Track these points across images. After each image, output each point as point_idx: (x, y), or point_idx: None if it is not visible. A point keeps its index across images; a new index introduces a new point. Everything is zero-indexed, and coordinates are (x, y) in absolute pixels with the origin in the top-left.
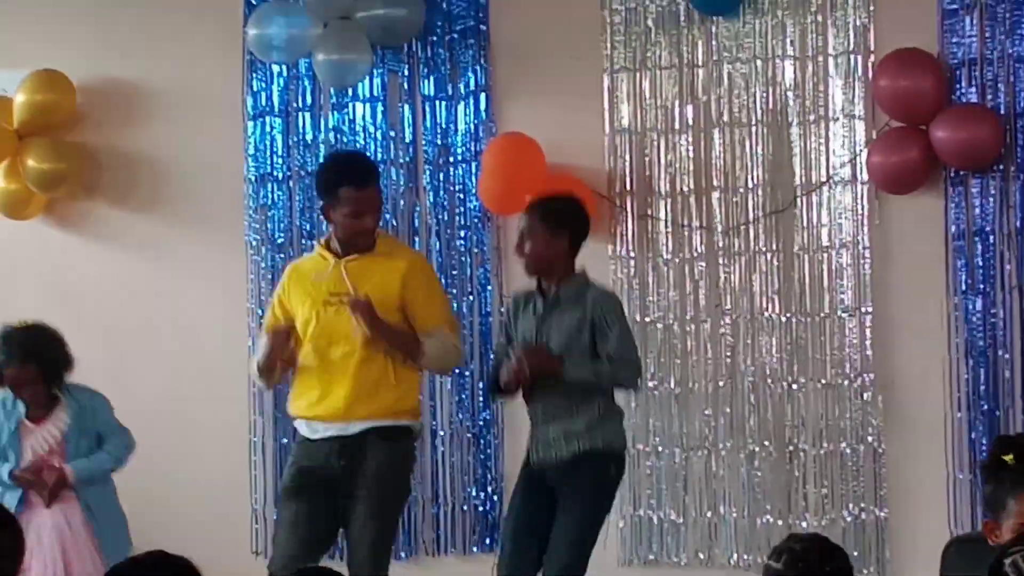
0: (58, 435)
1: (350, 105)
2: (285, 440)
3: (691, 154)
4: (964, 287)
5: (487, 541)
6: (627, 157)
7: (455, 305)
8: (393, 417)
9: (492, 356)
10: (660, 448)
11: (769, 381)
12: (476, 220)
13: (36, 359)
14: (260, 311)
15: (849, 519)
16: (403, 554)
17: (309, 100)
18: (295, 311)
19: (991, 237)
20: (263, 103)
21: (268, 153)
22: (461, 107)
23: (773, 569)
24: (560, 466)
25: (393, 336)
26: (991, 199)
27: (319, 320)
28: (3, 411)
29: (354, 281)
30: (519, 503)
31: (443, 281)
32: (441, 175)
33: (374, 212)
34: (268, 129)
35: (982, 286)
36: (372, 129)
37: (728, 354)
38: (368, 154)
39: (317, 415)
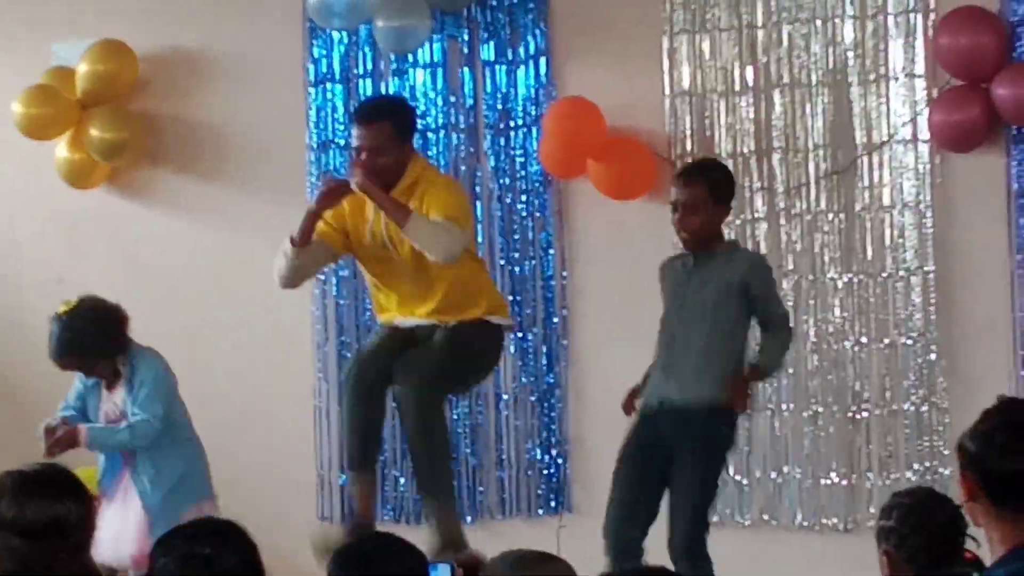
0: (120, 402)
1: (410, 71)
2: None
3: (751, 116)
4: None
5: (551, 504)
6: (687, 119)
7: (516, 269)
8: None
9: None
10: None
11: (832, 342)
12: (537, 184)
13: (74, 351)
14: (323, 278)
15: (914, 478)
16: (468, 517)
17: (370, 66)
18: (354, 223)
19: None
20: (324, 70)
21: (329, 120)
22: (521, 71)
23: (887, 527)
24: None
25: (379, 196)
26: None
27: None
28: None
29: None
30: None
31: (504, 245)
32: (502, 140)
33: (374, 150)
34: (329, 96)
35: None
36: (432, 95)
37: (791, 315)
38: (418, 111)
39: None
